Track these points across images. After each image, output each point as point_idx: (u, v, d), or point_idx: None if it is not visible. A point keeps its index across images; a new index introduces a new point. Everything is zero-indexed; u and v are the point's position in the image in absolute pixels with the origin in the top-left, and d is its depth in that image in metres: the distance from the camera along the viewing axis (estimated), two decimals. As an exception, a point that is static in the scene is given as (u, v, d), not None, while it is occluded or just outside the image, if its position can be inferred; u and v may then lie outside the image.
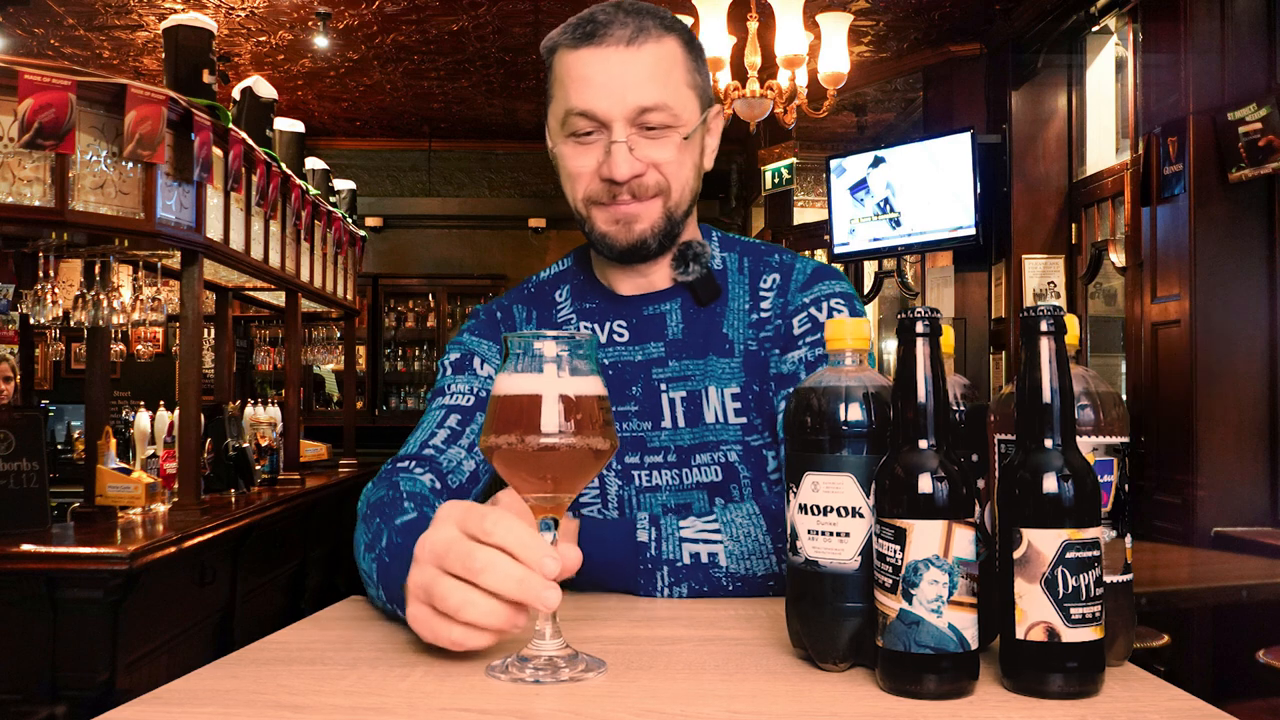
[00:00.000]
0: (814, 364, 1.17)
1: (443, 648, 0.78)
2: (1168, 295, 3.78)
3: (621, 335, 1.23)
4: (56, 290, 3.15)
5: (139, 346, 5.01)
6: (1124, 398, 3.92)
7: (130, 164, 2.73)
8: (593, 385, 0.79)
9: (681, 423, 1.19)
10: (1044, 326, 0.73)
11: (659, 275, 1.24)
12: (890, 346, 6.63)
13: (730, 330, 1.22)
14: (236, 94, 3.76)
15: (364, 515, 1.10)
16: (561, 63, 1.15)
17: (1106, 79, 4.87)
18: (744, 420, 1.19)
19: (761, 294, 1.24)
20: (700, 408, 1.19)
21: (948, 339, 0.83)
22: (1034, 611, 0.70)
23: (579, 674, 0.75)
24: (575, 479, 0.79)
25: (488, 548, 0.74)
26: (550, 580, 0.74)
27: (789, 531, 0.80)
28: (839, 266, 6.11)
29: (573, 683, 0.74)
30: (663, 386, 1.20)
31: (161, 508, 3.03)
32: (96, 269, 3.20)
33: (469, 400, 1.20)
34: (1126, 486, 0.79)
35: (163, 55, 3.22)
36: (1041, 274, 4.91)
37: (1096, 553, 0.70)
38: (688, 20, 3.73)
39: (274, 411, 4.28)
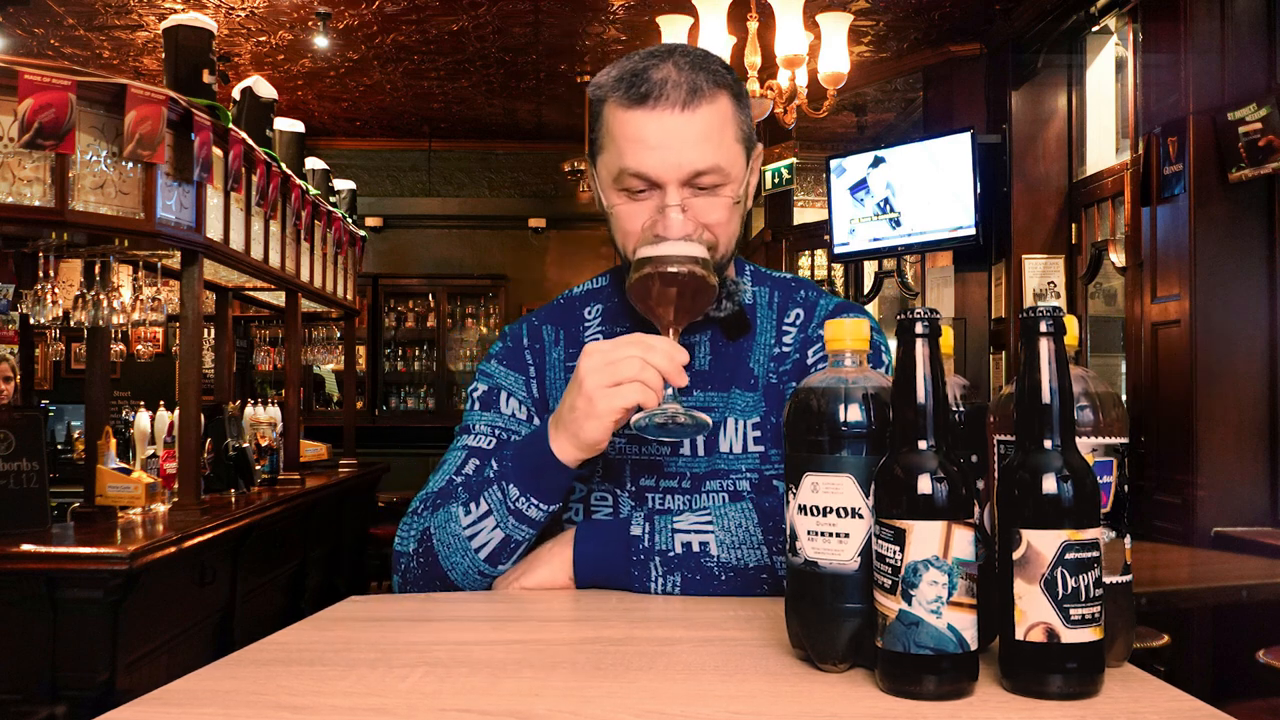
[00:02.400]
0: None
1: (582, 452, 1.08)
2: (1168, 295, 3.78)
3: None
4: (56, 290, 3.15)
5: (139, 346, 5.01)
6: (1124, 398, 3.93)
7: (130, 164, 2.73)
8: (703, 250, 1.09)
9: (701, 451, 1.21)
10: (1043, 327, 0.73)
11: None
12: (890, 346, 6.62)
13: (755, 365, 1.24)
14: (236, 94, 3.76)
15: (428, 530, 1.16)
16: (614, 118, 1.15)
17: (1106, 79, 4.87)
18: (761, 449, 1.21)
19: (785, 328, 1.26)
20: (717, 438, 1.21)
21: (947, 339, 0.83)
22: (1033, 612, 0.70)
23: (695, 417, 1.05)
24: (695, 300, 1.09)
25: (645, 341, 1.04)
26: (682, 364, 1.04)
27: (788, 532, 0.80)
28: (838, 267, 6.12)
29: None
30: None
31: (161, 508, 3.03)
32: (96, 269, 3.20)
33: (490, 443, 1.22)
34: (1126, 487, 0.79)
35: (163, 55, 3.22)
36: (1041, 274, 4.91)
37: (1096, 553, 0.70)
38: (688, 19, 3.74)
39: (274, 411, 4.28)
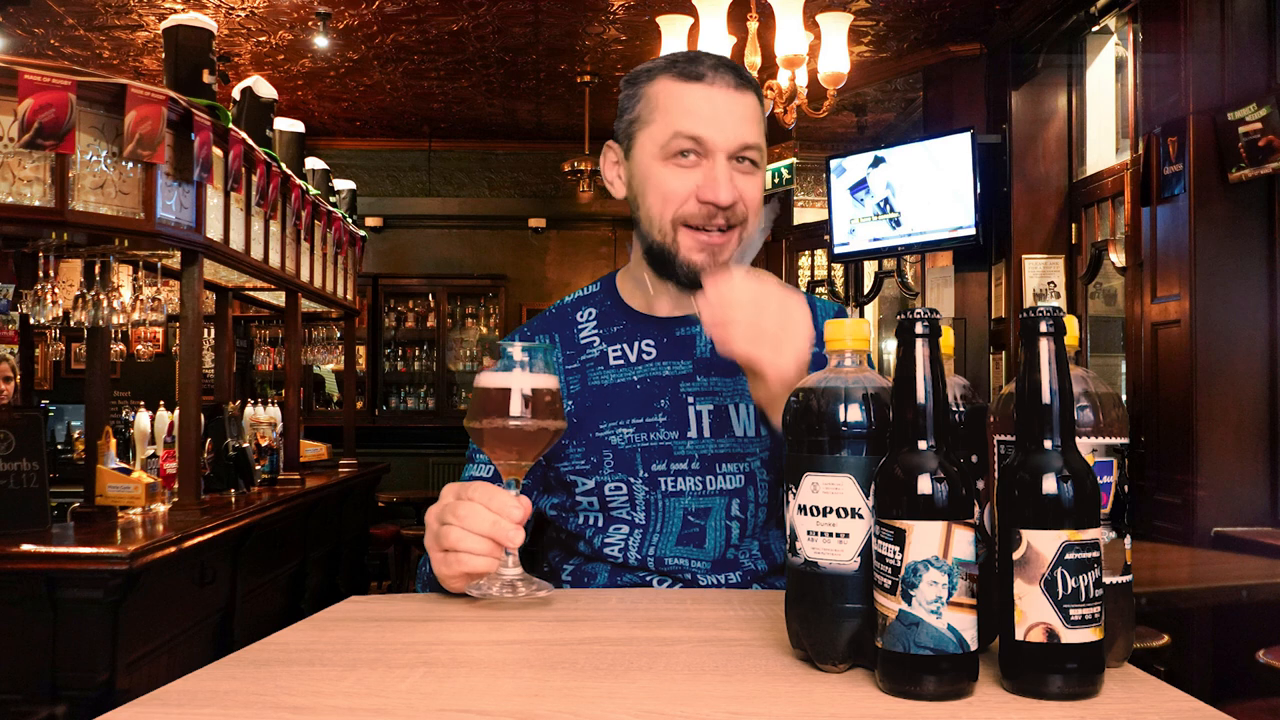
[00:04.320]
0: None
1: (455, 594, 1.06)
2: (1168, 295, 3.78)
3: (650, 353, 1.29)
4: (56, 290, 3.14)
5: (139, 346, 5.01)
6: (1124, 398, 3.93)
7: (130, 164, 2.73)
8: (547, 381, 1.01)
9: (708, 433, 1.25)
10: (1044, 327, 0.73)
11: (690, 303, 1.30)
12: (890, 347, 6.63)
13: None
14: (236, 94, 3.76)
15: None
16: (666, 91, 1.23)
17: (1106, 79, 4.87)
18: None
19: None
20: (728, 421, 1.25)
21: (947, 339, 0.84)
22: (1033, 612, 0.70)
23: (533, 592, 0.98)
24: (533, 449, 1.01)
25: (470, 502, 1.00)
26: (515, 523, 0.99)
27: (788, 532, 0.80)
28: (838, 267, 6.13)
29: (533, 603, 1.01)
30: (690, 399, 1.26)
31: (161, 508, 3.02)
32: (96, 269, 3.20)
33: (489, 471, 1.29)
34: (1126, 487, 0.79)
35: (163, 55, 3.22)
36: (1041, 274, 4.91)
37: (1096, 554, 0.70)
38: (688, 19, 3.74)
39: (274, 411, 4.28)
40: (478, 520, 0.99)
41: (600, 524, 1.25)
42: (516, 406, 0.98)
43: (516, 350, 0.99)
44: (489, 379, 1.00)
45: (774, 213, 1.30)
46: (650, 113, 1.23)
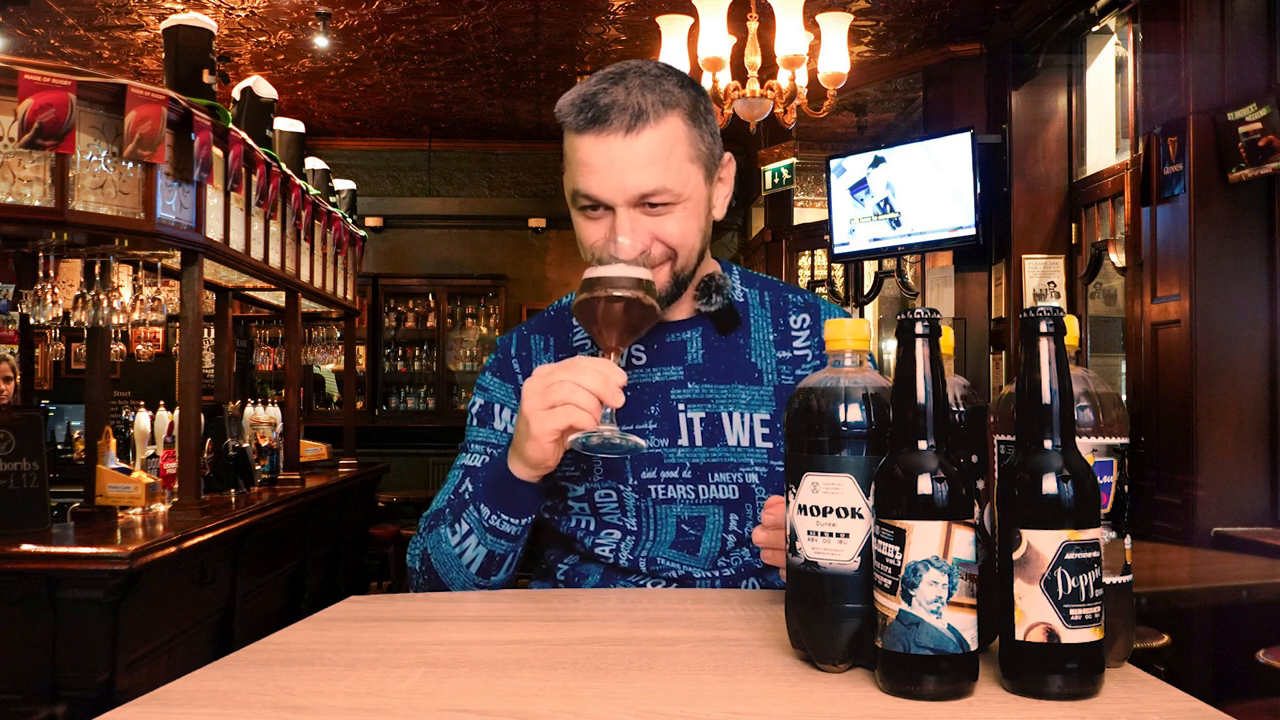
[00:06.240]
0: None
1: (521, 479, 1.13)
2: (1168, 295, 3.78)
3: (639, 359, 1.28)
4: (56, 290, 3.14)
5: (139, 346, 5.00)
6: (1124, 398, 3.93)
7: (130, 164, 2.73)
8: (645, 273, 1.11)
9: (699, 441, 1.23)
10: (1044, 327, 0.73)
11: (680, 308, 1.29)
12: (890, 347, 6.63)
13: (759, 360, 1.27)
14: (236, 94, 3.76)
15: (426, 551, 1.24)
16: (569, 142, 1.19)
17: (1106, 79, 4.87)
18: (770, 445, 1.23)
19: (794, 333, 1.29)
20: (721, 429, 1.23)
21: (947, 339, 0.84)
22: (1033, 612, 0.70)
23: (627, 440, 1.06)
24: (638, 325, 1.11)
25: (579, 362, 1.07)
26: (619, 386, 1.06)
27: (788, 532, 0.80)
28: (838, 267, 6.13)
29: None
30: (681, 406, 1.25)
31: (161, 508, 3.02)
32: (96, 269, 3.20)
33: (484, 461, 1.28)
34: (1126, 487, 0.79)
35: (163, 55, 3.22)
36: (1041, 274, 4.91)
37: (1096, 554, 0.70)
38: (688, 19, 3.74)
39: (274, 411, 4.28)
40: (589, 377, 1.05)
41: (592, 528, 1.24)
42: (621, 287, 1.08)
43: (622, 248, 1.11)
44: (595, 270, 1.11)
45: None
46: (564, 160, 1.22)
